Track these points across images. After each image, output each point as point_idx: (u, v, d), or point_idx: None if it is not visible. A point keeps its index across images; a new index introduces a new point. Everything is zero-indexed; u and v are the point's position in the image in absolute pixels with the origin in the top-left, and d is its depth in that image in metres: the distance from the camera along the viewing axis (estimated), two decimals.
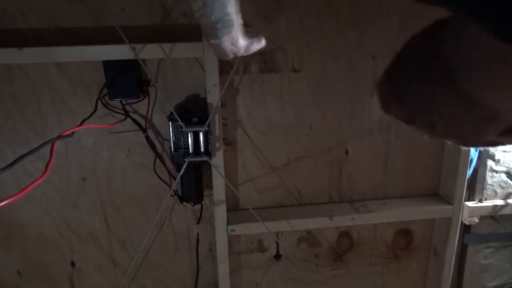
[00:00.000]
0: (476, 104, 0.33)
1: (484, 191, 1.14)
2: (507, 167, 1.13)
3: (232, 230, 0.99)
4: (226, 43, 0.64)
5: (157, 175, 0.98)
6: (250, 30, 0.68)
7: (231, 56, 0.68)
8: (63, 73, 0.92)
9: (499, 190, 1.15)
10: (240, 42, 0.65)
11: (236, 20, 0.61)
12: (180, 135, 0.90)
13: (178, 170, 0.91)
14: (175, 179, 0.96)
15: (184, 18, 0.90)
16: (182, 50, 0.86)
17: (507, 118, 0.34)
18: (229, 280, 1.03)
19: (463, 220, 1.11)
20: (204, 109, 0.90)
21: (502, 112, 0.33)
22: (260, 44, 0.70)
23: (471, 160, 1.05)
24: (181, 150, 0.91)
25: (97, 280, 1.09)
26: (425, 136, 0.41)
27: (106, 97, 0.92)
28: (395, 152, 1.07)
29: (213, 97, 0.87)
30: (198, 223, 1.05)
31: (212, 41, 0.64)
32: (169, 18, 0.90)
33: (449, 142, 0.41)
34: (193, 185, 0.97)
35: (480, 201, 1.14)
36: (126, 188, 1.02)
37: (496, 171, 1.13)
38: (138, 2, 0.88)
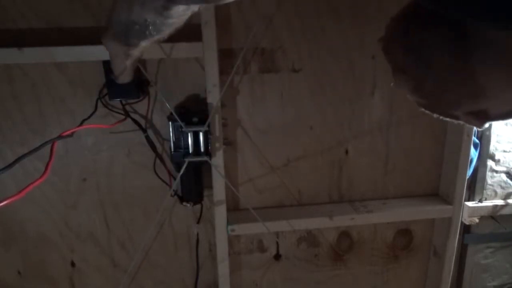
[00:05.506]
0: (475, 78, 0.33)
1: (484, 191, 1.14)
2: (507, 167, 1.13)
3: (232, 230, 0.99)
4: None
5: (157, 175, 0.98)
6: None
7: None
8: (63, 73, 0.92)
9: (499, 190, 1.15)
10: None
11: None
12: (180, 135, 0.90)
13: (178, 170, 0.91)
14: (175, 179, 0.96)
15: None
16: (182, 50, 0.85)
17: (485, 102, 0.35)
18: (229, 280, 1.03)
19: (463, 220, 1.11)
20: (204, 109, 0.90)
21: (488, 95, 0.34)
22: None
23: (471, 160, 1.05)
24: (181, 150, 0.91)
25: (97, 280, 1.09)
26: (405, 91, 0.40)
27: (106, 97, 0.92)
28: (395, 152, 1.07)
29: (213, 97, 0.87)
30: (198, 223, 1.05)
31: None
32: None
33: (416, 102, 0.40)
34: (193, 185, 0.97)
35: (480, 201, 1.14)
36: (126, 188, 1.02)
37: (496, 171, 1.13)
38: None
